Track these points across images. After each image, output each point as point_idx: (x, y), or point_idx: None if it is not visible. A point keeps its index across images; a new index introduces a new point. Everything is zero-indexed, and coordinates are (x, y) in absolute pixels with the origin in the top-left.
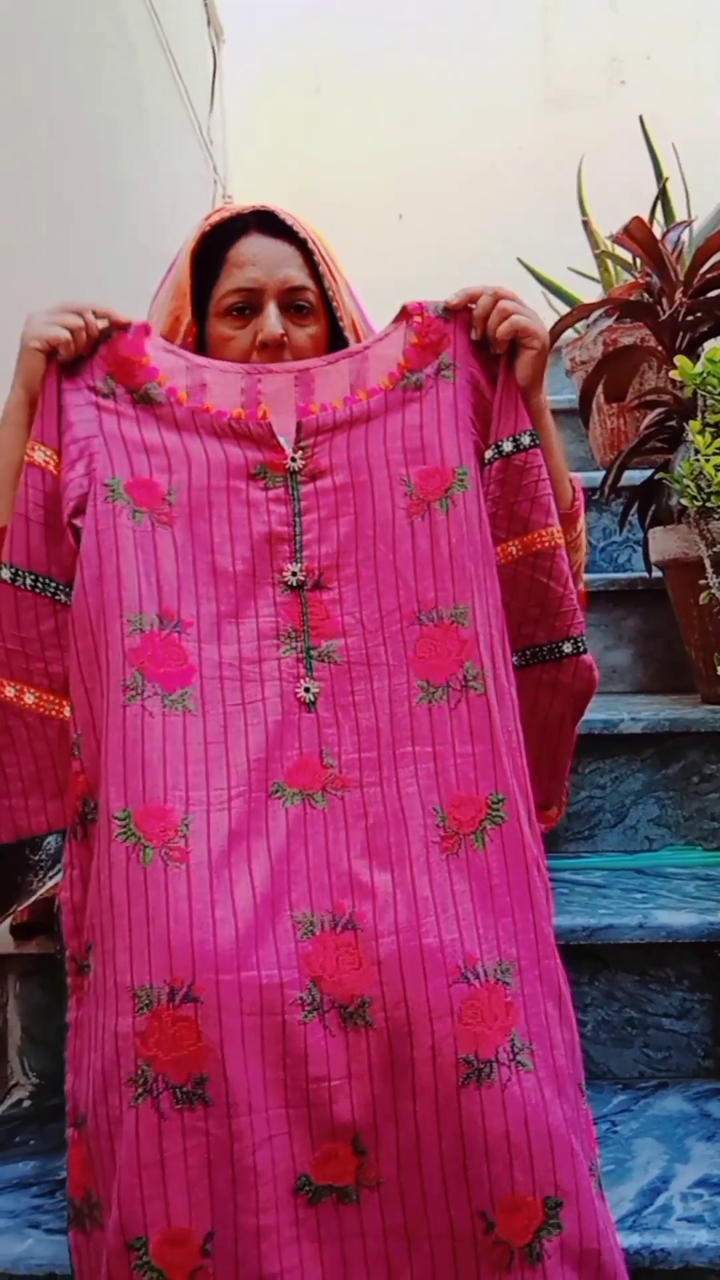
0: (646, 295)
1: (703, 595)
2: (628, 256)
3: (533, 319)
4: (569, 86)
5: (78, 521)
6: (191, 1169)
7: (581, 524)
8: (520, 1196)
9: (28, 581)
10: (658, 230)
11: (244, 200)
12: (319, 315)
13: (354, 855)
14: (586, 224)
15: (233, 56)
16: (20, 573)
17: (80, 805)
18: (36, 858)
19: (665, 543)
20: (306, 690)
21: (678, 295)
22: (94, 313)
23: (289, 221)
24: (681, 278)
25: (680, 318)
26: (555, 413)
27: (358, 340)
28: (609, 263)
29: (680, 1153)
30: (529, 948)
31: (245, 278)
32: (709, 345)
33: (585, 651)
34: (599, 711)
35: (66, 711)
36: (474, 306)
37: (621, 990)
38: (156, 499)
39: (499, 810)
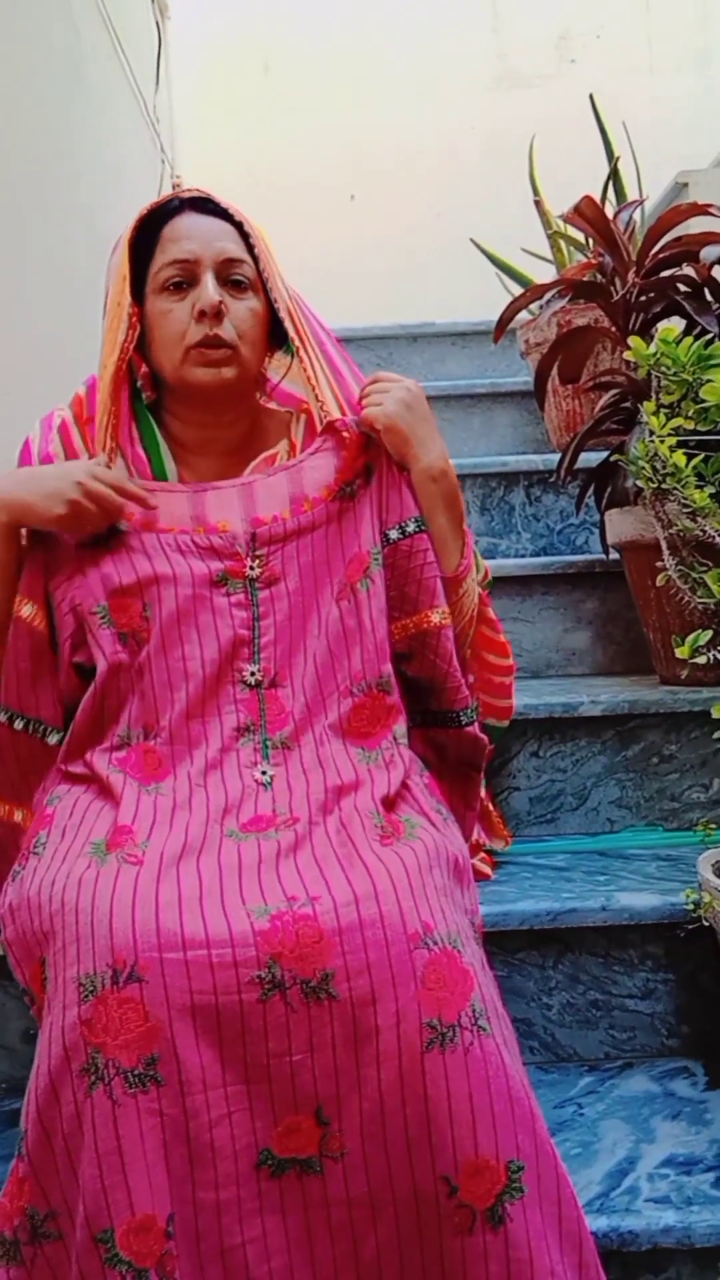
0: (599, 276)
1: (660, 577)
2: (580, 237)
3: (384, 403)
4: (520, 65)
5: (79, 659)
6: (149, 1152)
7: (468, 584)
8: (483, 1160)
9: (17, 724)
10: (609, 210)
11: (193, 181)
12: (258, 292)
13: (303, 863)
14: (539, 204)
15: (178, 33)
16: (14, 715)
17: (32, 844)
18: None
19: (622, 525)
20: (264, 774)
21: (630, 275)
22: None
23: (223, 204)
24: (634, 258)
25: (633, 298)
26: (511, 394)
27: (293, 327)
28: (562, 243)
29: (646, 1133)
30: (465, 926)
31: (181, 250)
32: (662, 325)
33: (472, 724)
34: (559, 695)
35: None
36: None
37: (586, 973)
38: (135, 617)
39: (413, 834)
